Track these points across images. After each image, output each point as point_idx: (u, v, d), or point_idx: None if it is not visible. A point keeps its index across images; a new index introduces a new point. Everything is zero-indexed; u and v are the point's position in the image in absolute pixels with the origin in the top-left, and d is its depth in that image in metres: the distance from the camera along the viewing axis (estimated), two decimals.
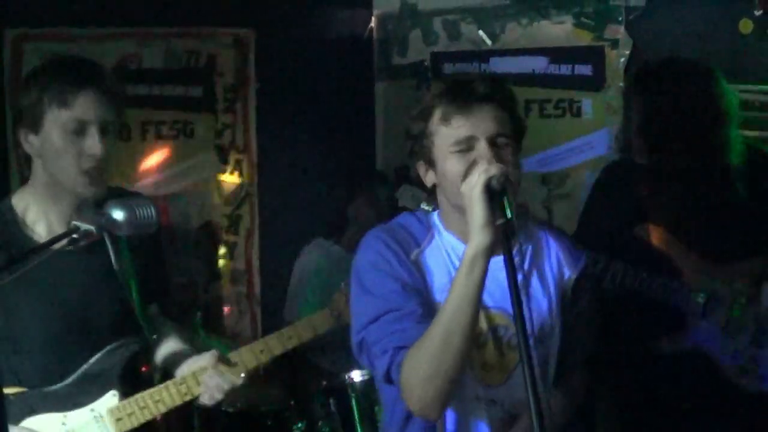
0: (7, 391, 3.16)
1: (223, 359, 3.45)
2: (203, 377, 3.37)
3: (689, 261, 3.99)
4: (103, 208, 2.93)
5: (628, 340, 3.98)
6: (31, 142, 3.20)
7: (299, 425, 4.83)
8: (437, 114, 2.73)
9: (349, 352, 2.89)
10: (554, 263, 2.90)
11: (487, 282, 2.63)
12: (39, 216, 3.27)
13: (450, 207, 2.80)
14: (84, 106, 3.12)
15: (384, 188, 5.76)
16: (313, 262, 5.62)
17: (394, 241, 2.81)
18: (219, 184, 6.06)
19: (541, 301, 2.84)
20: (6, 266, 2.73)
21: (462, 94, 2.71)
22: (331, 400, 4.85)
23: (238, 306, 6.06)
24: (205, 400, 3.40)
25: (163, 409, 3.34)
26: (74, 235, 2.81)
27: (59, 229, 3.14)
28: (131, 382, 3.36)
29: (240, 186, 6.10)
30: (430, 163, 2.78)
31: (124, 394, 3.33)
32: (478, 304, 2.59)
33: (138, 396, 3.33)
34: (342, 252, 5.60)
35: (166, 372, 3.50)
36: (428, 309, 2.69)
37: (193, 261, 5.95)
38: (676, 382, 4.01)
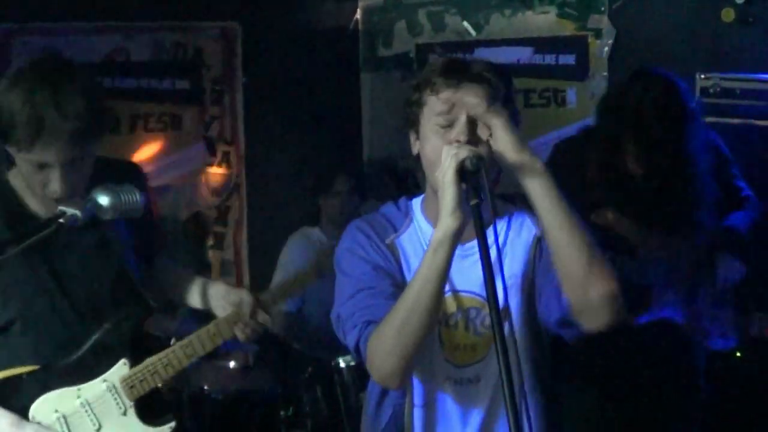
0: (19, 371, 3.27)
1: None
2: (239, 322, 3.49)
3: (644, 238, 4.19)
4: (89, 193, 2.98)
5: None
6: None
7: (287, 412, 4.88)
8: (430, 84, 2.77)
9: (334, 340, 2.96)
10: (531, 242, 2.90)
11: (461, 267, 2.71)
12: (31, 194, 3.25)
13: (427, 184, 2.86)
14: (44, 151, 3.02)
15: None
16: (296, 250, 5.67)
17: (370, 228, 2.88)
18: (207, 175, 6.11)
19: (517, 282, 2.87)
20: None
21: (457, 70, 2.75)
22: (317, 387, 4.90)
23: None
24: (242, 339, 3.55)
25: (171, 372, 3.41)
26: (61, 220, 2.85)
27: (51, 207, 3.15)
28: (140, 349, 3.41)
29: (228, 177, 6.15)
30: (418, 133, 2.83)
31: (134, 361, 3.39)
32: (442, 286, 2.62)
33: (148, 362, 3.39)
34: (323, 237, 5.67)
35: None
36: (400, 290, 2.73)
37: (181, 252, 5.99)
38: (646, 350, 4.21)
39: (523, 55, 6.02)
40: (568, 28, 5.90)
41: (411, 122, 2.85)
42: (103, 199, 2.93)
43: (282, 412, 4.88)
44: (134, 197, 2.99)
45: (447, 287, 2.72)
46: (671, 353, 4.24)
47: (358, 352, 2.77)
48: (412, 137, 2.88)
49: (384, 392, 2.89)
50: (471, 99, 2.69)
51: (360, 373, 4.41)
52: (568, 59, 5.92)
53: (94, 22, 5.69)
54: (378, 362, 2.68)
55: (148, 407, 3.40)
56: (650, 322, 4.18)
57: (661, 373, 4.23)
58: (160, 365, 3.40)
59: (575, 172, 4.21)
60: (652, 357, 4.21)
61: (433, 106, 2.75)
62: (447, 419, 2.85)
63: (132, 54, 5.80)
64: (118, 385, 3.37)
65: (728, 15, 5.42)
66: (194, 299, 3.63)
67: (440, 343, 2.82)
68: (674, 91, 4.11)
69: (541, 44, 5.97)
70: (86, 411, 3.34)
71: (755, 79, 5.25)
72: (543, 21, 5.97)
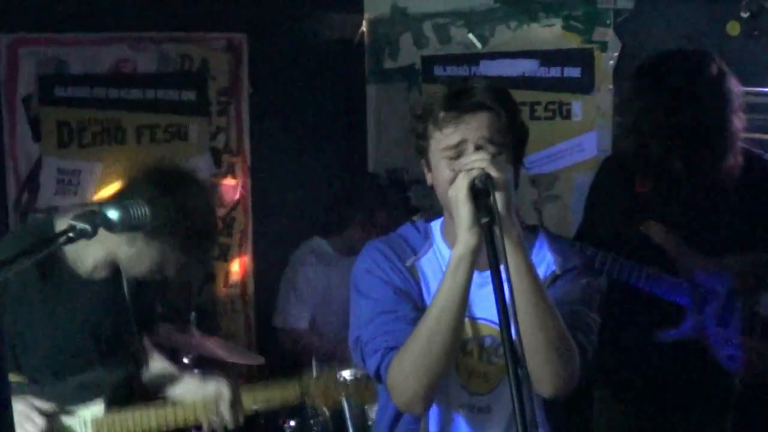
0: (12, 377, 3.50)
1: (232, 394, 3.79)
2: (214, 408, 3.73)
3: (686, 257, 4.11)
4: (99, 207, 3.00)
5: (628, 331, 4.20)
6: None
7: (291, 423, 4.87)
8: (432, 118, 2.77)
9: (346, 353, 2.96)
10: (546, 269, 2.90)
11: (475, 294, 2.70)
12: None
13: (445, 211, 2.85)
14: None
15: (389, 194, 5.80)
16: (305, 267, 5.68)
17: (389, 250, 2.88)
18: (213, 186, 6.10)
19: None
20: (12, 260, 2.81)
21: (457, 102, 2.75)
22: None
23: (232, 307, 6.10)
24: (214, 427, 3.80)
25: (138, 429, 3.67)
26: (70, 234, 2.87)
27: None
28: (118, 399, 3.71)
29: (233, 188, 6.14)
30: (428, 164, 2.83)
31: (116, 404, 3.69)
32: (463, 306, 2.62)
33: (123, 413, 3.67)
34: (329, 249, 5.68)
35: (155, 390, 3.92)
36: (421, 313, 2.73)
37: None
38: (673, 370, 4.19)
39: (529, 67, 6.03)
40: (573, 41, 5.90)
41: (421, 152, 2.86)
42: (113, 213, 2.95)
43: (286, 425, 4.88)
44: (143, 211, 3.01)
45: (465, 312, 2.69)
46: (699, 372, 4.19)
47: (378, 378, 2.76)
48: (425, 167, 2.88)
49: (397, 418, 2.86)
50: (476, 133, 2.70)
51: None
52: (574, 72, 5.92)
53: (101, 33, 5.69)
54: (402, 387, 2.67)
55: None
56: (678, 339, 4.14)
57: (689, 390, 4.21)
58: (131, 419, 3.66)
59: (624, 186, 4.19)
60: (680, 373, 4.19)
61: (439, 140, 2.75)
62: None
63: (138, 65, 5.80)
64: (88, 420, 3.64)
65: (734, 28, 5.42)
66: (171, 391, 3.90)
67: (456, 368, 2.81)
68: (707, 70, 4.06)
69: (546, 57, 5.98)
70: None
71: (760, 92, 5.25)
72: (548, 34, 5.97)
